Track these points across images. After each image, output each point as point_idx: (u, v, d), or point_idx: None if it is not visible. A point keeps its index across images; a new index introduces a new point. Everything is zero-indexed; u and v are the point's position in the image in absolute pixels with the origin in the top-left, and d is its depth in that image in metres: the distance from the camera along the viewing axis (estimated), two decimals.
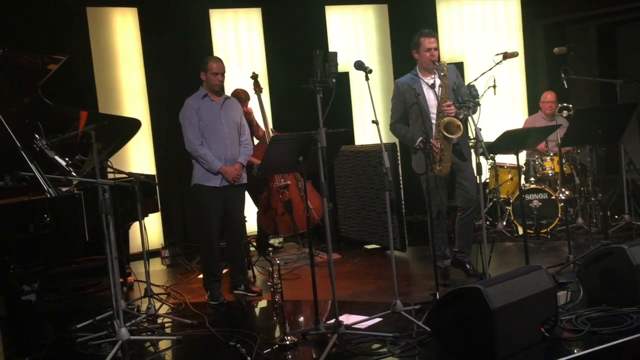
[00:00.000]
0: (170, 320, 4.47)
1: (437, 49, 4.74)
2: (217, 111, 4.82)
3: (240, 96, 5.98)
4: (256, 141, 6.13)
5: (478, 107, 4.32)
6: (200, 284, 5.19)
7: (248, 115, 5.97)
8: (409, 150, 4.98)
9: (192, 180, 4.86)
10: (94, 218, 3.91)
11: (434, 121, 4.70)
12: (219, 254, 4.90)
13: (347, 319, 4.02)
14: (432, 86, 4.71)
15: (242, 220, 5.09)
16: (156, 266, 6.34)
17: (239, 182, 4.85)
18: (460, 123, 4.57)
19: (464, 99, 4.36)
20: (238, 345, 3.69)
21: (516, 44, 7.80)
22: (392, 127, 4.92)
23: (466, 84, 4.76)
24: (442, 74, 4.62)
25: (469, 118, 4.27)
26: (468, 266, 4.89)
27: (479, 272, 4.66)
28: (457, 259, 4.94)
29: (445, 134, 4.57)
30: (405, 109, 4.83)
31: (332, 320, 3.76)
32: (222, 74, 4.80)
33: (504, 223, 6.59)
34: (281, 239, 6.90)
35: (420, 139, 4.59)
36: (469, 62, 7.88)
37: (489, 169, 6.78)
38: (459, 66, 7.61)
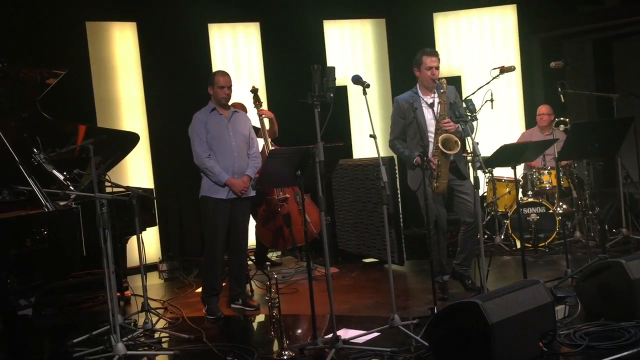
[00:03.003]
0: (167, 334, 4.45)
1: (438, 67, 4.76)
2: (225, 124, 4.85)
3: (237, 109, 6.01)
4: None
5: (475, 123, 4.34)
6: (197, 298, 5.17)
7: None
8: (406, 164, 4.98)
9: (200, 192, 4.88)
10: (91, 232, 3.90)
11: (431, 139, 4.71)
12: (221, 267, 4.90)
13: (345, 333, 4.01)
14: (431, 105, 4.72)
15: (246, 233, 5.08)
16: (153, 280, 6.32)
17: (246, 195, 4.85)
18: (457, 139, 4.59)
19: (461, 112, 4.38)
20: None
21: (513, 58, 7.84)
22: (391, 143, 4.94)
23: (463, 98, 4.78)
24: (441, 91, 4.64)
25: (467, 138, 4.28)
26: (467, 281, 4.88)
27: (478, 286, 4.65)
28: (457, 271, 4.93)
29: (442, 149, 4.58)
30: (404, 126, 4.84)
31: (330, 335, 3.75)
32: (229, 87, 4.85)
33: (502, 237, 6.59)
34: (279, 253, 6.89)
35: (417, 155, 4.61)
36: (466, 76, 7.92)
37: (486, 182, 6.79)
38: (457, 80, 7.68)
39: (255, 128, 6.20)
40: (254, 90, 6.16)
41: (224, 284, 5.21)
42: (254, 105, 6.14)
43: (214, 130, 4.80)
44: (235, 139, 4.87)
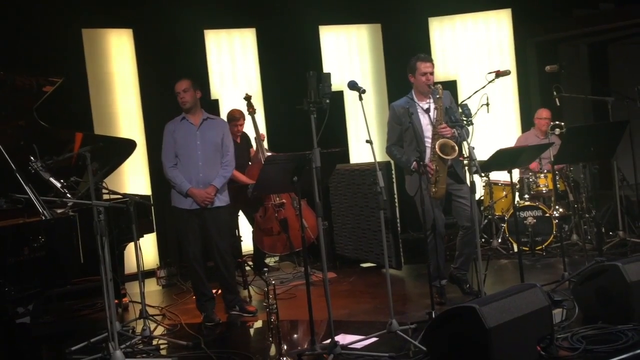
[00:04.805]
0: (165, 341, 4.45)
1: (432, 73, 4.77)
2: (193, 132, 4.82)
3: (234, 115, 6.05)
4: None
5: (471, 127, 4.35)
6: (195, 305, 5.16)
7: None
8: (403, 169, 4.99)
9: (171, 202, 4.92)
10: (89, 239, 3.90)
11: (428, 145, 4.72)
12: (207, 274, 4.89)
13: (343, 338, 4.01)
14: (427, 111, 4.73)
15: (227, 242, 4.97)
16: (151, 287, 6.31)
17: (212, 205, 4.78)
18: (454, 144, 4.60)
19: (457, 117, 4.39)
20: None
21: (508, 62, 7.87)
22: (388, 150, 4.94)
23: (459, 102, 4.79)
24: (437, 96, 4.66)
25: (463, 143, 4.30)
26: (465, 285, 4.88)
27: (475, 290, 4.66)
28: (455, 276, 4.93)
29: (440, 154, 4.59)
30: (400, 132, 4.85)
31: (328, 340, 3.76)
32: (183, 90, 4.81)
33: (499, 240, 6.60)
34: (277, 258, 6.90)
35: (414, 160, 4.61)
36: (461, 80, 7.94)
37: (483, 186, 6.80)
38: (452, 84, 7.70)
39: (245, 135, 6.26)
40: (247, 98, 6.19)
41: (219, 292, 5.20)
42: (247, 112, 6.17)
43: (180, 139, 4.79)
44: (203, 147, 4.81)
